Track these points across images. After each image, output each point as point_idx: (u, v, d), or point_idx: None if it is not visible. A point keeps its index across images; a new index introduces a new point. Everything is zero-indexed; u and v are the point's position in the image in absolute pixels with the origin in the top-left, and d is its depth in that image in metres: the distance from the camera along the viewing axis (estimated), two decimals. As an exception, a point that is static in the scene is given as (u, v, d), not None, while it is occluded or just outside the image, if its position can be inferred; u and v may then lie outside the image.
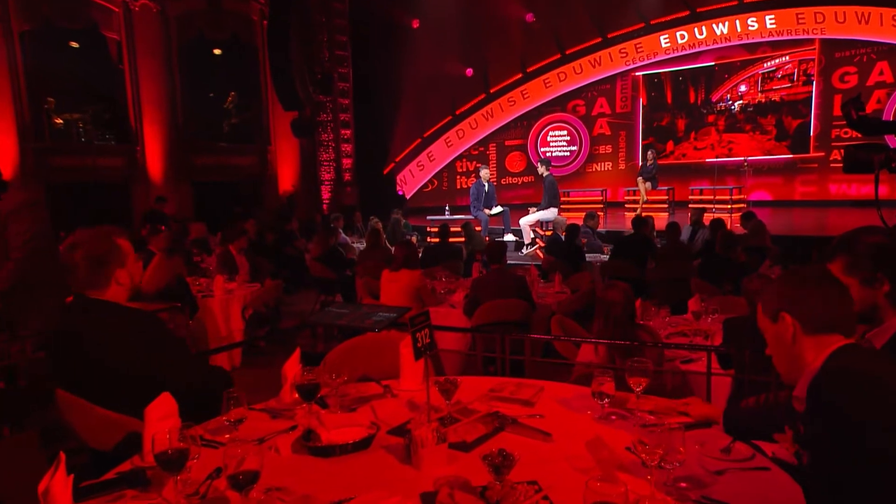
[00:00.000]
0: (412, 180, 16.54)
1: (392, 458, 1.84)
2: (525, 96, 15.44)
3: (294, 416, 2.17)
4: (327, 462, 1.83)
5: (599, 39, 14.48)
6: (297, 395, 2.16)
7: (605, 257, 7.97)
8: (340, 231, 10.06)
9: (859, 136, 3.03)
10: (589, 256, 7.36)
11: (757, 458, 1.74)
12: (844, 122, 4.45)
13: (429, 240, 10.86)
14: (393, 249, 7.12)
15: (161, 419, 1.79)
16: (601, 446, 1.83)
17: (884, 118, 11.42)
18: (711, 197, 11.77)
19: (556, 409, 2.17)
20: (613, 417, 2.04)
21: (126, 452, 1.89)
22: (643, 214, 10.93)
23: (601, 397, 2.00)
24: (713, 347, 3.04)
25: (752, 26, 13.00)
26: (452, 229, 8.66)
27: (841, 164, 3.39)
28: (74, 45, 12.42)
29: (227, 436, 1.95)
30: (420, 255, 7.97)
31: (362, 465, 1.81)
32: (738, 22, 13.11)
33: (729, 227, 9.54)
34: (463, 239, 8.72)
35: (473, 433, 1.93)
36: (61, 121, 12.49)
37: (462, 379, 2.41)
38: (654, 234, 8.20)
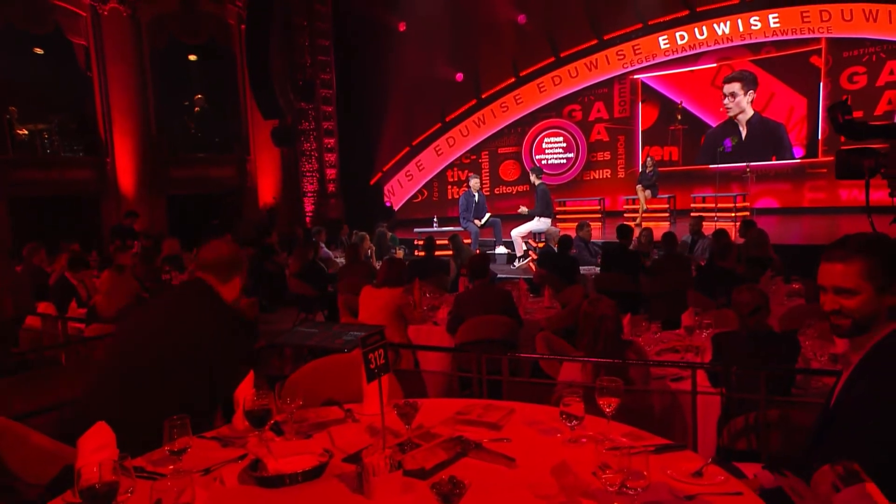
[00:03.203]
0: (400, 191, 16.56)
1: (344, 487, 1.82)
2: (518, 101, 15.52)
3: (246, 443, 2.15)
4: (275, 493, 1.82)
5: (595, 41, 14.58)
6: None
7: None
8: (322, 245, 10.05)
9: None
10: (583, 269, 7.37)
11: (730, 482, 1.73)
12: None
13: (416, 253, 10.86)
14: (378, 265, 7.13)
15: (95, 450, 1.77)
16: (567, 471, 1.82)
17: None
18: (714, 205, 11.81)
19: (525, 432, 2.16)
20: (584, 440, 2.03)
21: (61, 488, 1.87)
22: (643, 224, 11.00)
23: (569, 419, 1.99)
24: (698, 364, 3.04)
25: (755, 26, 13.12)
26: (439, 242, 8.66)
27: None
28: (39, 51, 12.47)
29: (171, 467, 1.93)
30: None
31: (312, 496, 1.79)
32: (740, 21, 13.24)
33: (734, 236, 9.60)
34: (451, 252, 8.72)
35: (433, 459, 1.91)
36: (25, 131, 12.50)
37: (427, 401, 2.41)
38: (652, 244, 8.22)
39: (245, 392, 2.26)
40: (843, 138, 12.55)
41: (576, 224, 9.20)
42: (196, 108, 14.27)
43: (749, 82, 13.32)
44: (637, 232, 9.15)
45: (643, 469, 1.56)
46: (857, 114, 12.13)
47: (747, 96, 13.30)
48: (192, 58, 14.34)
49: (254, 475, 1.86)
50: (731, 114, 13.48)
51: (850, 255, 1.76)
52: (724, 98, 13.48)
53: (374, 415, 2.38)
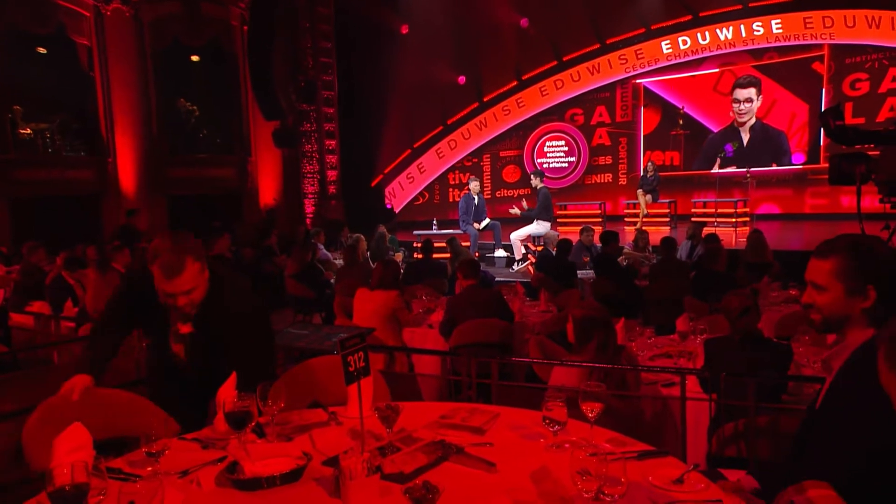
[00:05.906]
0: (401, 193, 16.57)
1: (322, 491, 1.81)
2: (520, 105, 15.52)
3: (226, 445, 2.13)
4: (252, 496, 1.80)
5: (598, 45, 14.58)
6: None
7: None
8: (321, 246, 10.03)
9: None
10: (580, 273, 7.35)
11: (711, 489, 1.71)
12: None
13: (415, 255, 10.85)
14: (374, 267, 7.10)
15: (70, 451, 1.75)
16: (546, 477, 1.80)
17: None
18: (714, 210, 11.78)
19: (508, 436, 2.14)
20: (567, 445, 2.01)
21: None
22: (643, 228, 10.96)
23: (552, 424, 1.97)
24: (687, 370, 3.02)
25: (758, 31, 13.10)
26: (437, 244, 8.65)
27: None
28: (42, 50, 12.49)
29: (149, 469, 1.91)
30: (402, 271, 7.96)
31: (289, 499, 1.77)
32: (742, 27, 13.22)
33: (734, 242, 9.55)
34: (449, 255, 8.70)
35: (412, 464, 1.89)
36: (28, 131, 12.51)
37: (411, 405, 2.39)
38: (650, 250, 8.19)
39: (227, 393, 2.25)
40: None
41: (578, 228, 9.18)
42: (189, 108, 14.23)
43: (759, 87, 13.30)
44: (634, 234, 9.13)
45: (621, 475, 1.54)
46: (859, 120, 12.09)
47: (758, 101, 13.28)
48: (195, 58, 14.35)
49: (231, 478, 1.84)
50: (743, 119, 13.42)
51: (829, 252, 1.77)
52: (738, 103, 13.39)
53: (358, 418, 2.37)
